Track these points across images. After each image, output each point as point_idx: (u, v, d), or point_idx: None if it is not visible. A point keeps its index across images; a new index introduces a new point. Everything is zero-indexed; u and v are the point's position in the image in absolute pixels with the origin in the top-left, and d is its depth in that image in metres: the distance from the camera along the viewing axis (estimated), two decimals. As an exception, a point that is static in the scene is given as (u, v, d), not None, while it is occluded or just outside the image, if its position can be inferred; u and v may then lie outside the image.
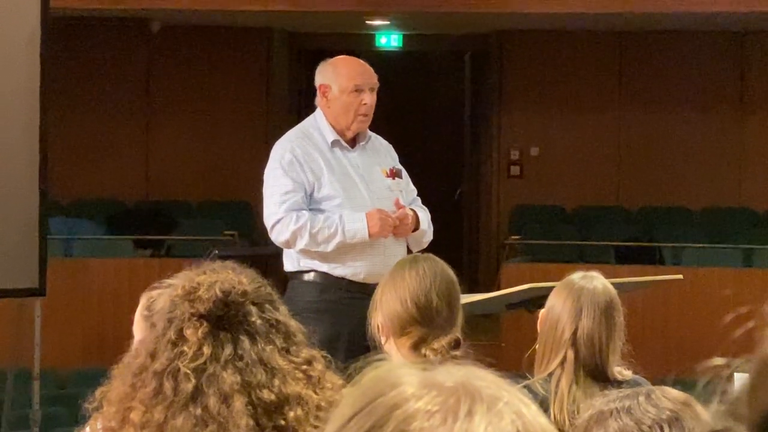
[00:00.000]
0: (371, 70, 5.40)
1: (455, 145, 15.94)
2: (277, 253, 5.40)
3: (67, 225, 12.39)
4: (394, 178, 5.34)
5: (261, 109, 13.53)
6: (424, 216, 5.33)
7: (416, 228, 5.26)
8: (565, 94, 13.52)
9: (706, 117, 13.46)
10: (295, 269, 5.23)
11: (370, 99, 5.28)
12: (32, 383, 7.39)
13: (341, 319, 4.97)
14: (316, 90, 5.36)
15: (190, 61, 13.51)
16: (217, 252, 5.97)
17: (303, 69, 15.15)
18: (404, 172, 5.42)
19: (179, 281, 2.37)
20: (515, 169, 13.75)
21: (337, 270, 5.15)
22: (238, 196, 13.21)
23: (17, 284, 6.34)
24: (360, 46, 13.51)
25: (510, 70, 13.81)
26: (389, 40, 14.24)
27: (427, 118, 15.76)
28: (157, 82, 13.61)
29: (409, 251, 5.15)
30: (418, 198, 5.46)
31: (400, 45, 14.38)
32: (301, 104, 14.80)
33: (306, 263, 5.19)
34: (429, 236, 5.36)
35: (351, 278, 5.11)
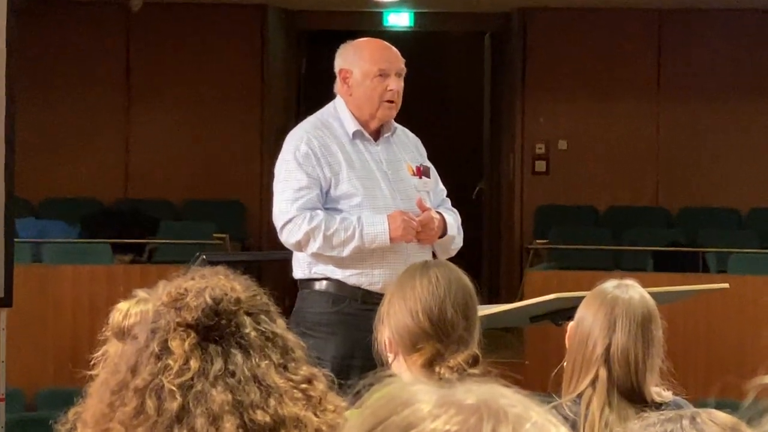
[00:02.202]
0: (398, 53, 5.38)
1: (473, 137, 15.96)
2: (272, 260, 5.39)
3: (37, 227, 12.41)
4: (421, 177, 5.31)
5: (255, 97, 13.53)
6: (453, 220, 5.28)
7: (443, 233, 5.22)
8: (596, 79, 13.52)
9: (757, 106, 13.44)
10: (306, 277, 5.19)
11: (396, 85, 5.27)
12: (-3, 404, 7.39)
13: (356, 334, 4.87)
14: (336, 75, 5.33)
15: (175, 42, 13.52)
16: (205, 257, 5.97)
17: (302, 52, 15.19)
18: (433, 171, 5.39)
19: (155, 293, 2.37)
20: (540, 165, 13.76)
21: (352, 278, 5.11)
22: (229, 194, 13.22)
23: (-19, 293, 6.34)
24: (366, 26, 13.52)
25: (535, 53, 13.81)
26: (399, 18, 14.26)
27: (441, 107, 15.76)
28: (138, 66, 13.63)
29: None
30: (448, 200, 5.43)
31: (412, 24, 14.39)
32: (301, 91, 14.83)
33: (318, 270, 5.15)
34: (458, 243, 5.32)
35: (368, 288, 5.07)
